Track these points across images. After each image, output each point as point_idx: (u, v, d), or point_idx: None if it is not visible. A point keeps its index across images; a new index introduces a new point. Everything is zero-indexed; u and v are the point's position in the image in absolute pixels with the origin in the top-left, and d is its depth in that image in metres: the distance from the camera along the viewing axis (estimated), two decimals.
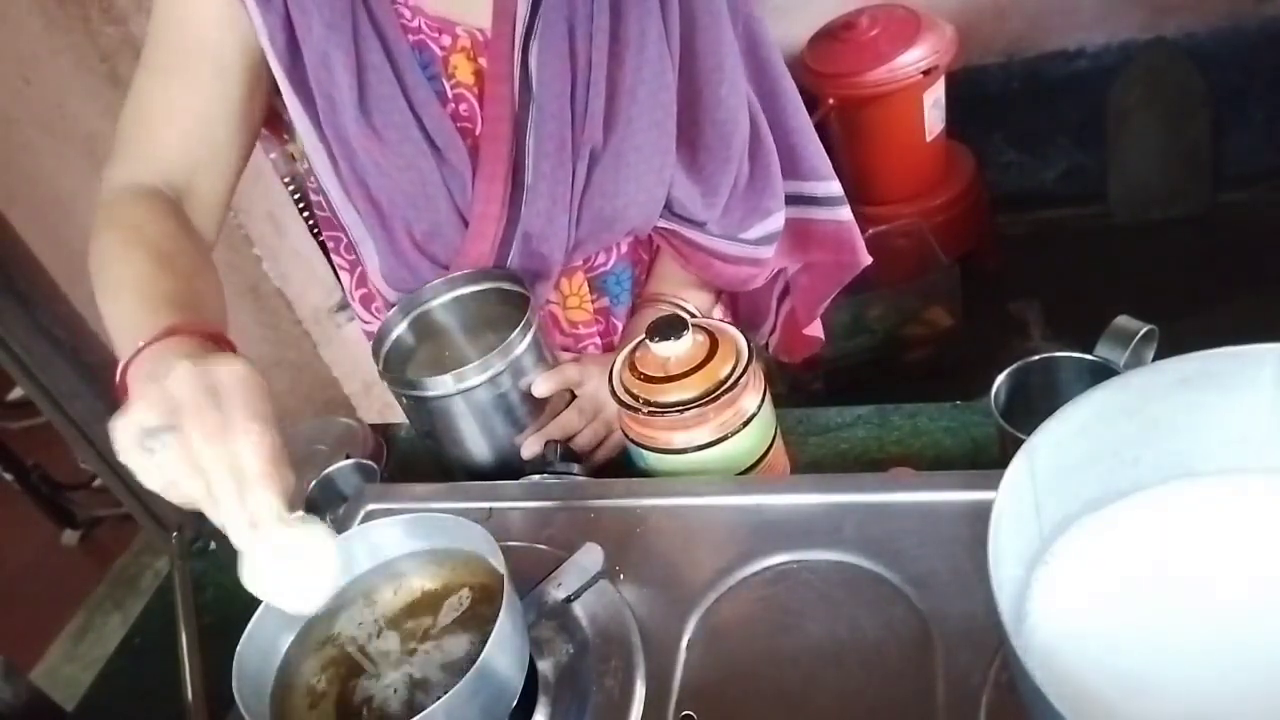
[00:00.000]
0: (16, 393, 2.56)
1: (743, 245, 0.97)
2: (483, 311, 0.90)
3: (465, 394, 0.82)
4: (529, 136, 0.83)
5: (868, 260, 1.06)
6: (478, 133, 0.86)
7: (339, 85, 0.81)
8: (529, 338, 0.83)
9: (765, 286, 1.07)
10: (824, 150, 1.01)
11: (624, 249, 0.98)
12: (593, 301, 0.98)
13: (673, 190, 0.91)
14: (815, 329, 1.14)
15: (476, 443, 0.86)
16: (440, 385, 0.81)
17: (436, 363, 0.87)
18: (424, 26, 0.83)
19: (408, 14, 0.83)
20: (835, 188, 1.02)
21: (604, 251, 0.96)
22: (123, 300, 0.74)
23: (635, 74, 0.83)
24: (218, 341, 0.68)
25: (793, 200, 1.00)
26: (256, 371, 0.60)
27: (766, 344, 1.16)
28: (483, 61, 0.84)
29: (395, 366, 0.87)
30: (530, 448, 0.86)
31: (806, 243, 1.04)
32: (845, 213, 1.03)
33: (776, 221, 0.98)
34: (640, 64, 0.83)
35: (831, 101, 2.31)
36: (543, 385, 0.85)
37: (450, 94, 0.85)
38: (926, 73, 2.22)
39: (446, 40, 0.84)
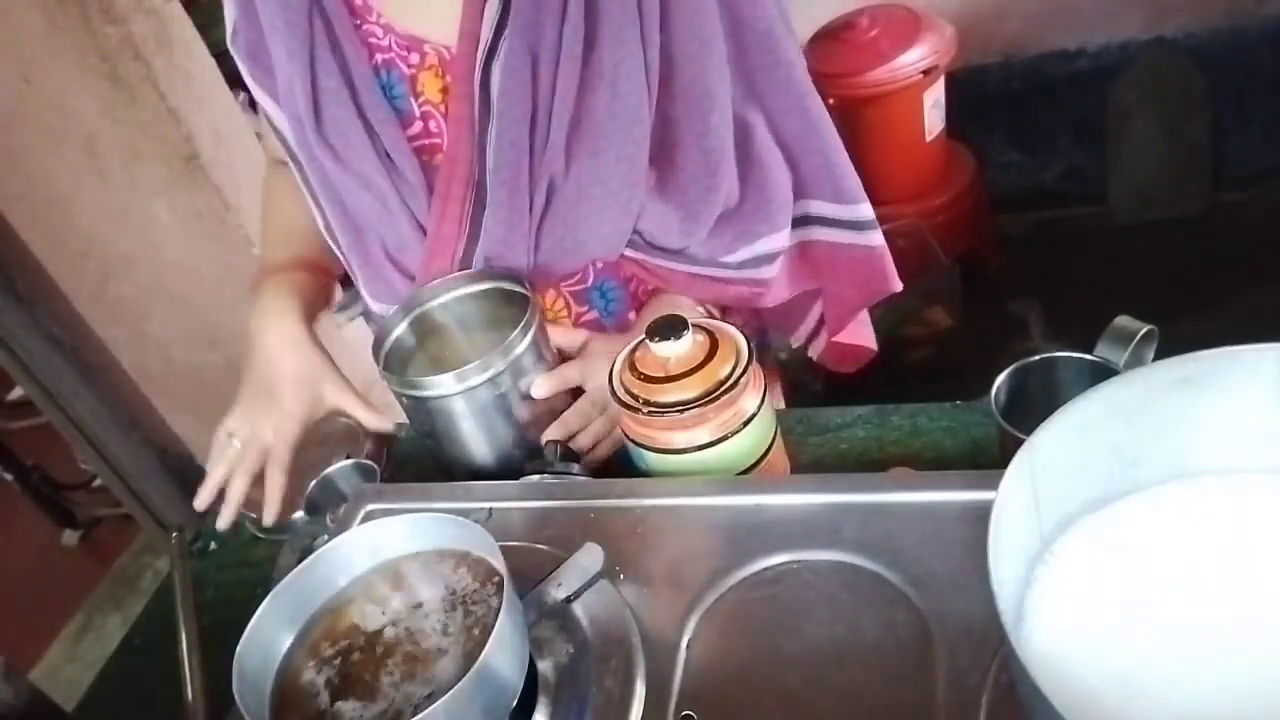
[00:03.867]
0: (16, 393, 2.56)
1: (724, 269, 0.94)
2: (483, 311, 0.90)
3: (465, 394, 0.82)
4: (488, 160, 0.83)
5: (897, 287, 1.02)
6: (444, 147, 0.87)
7: (301, 107, 0.85)
8: (529, 337, 0.83)
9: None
10: (855, 172, 0.97)
11: (600, 266, 0.95)
12: (581, 314, 0.98)
13: (644, 221, 0.89)
14: (864, 338, 1.10)
15: (477, 443, 0.86)
16: (440, 385, 0.81)
17: (437, 363, 0.88)
18: (394, 45, 0.85)
19: (379, 33, 0.85)
20: (865, 211, 0.97)
21: (580, 270, 0.95)
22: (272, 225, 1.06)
23: (607, 106, 0.81)
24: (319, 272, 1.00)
25: (817, 222, 0.97)
26: (314, 355, 0.93)
27: (805, 346, 1.13)
28: (449, 79, 0.84)
29: (395, 366, 0.87)
30: (553, 432, 0.86)
31: (833, 266, 1.00)
32: (876, 238, 0.98)
33: (769, 244, 0.93)
34: (613, 96, 0.80)
35: (831, 101, 2.31)
36: (542, 386, 0.85)
37: (418, 112, 0.86)
38: (926, 73, 2.22)
39: (415, 58, 0.85)
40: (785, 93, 0.89)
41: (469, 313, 0.90)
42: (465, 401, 0.82)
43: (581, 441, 0.88)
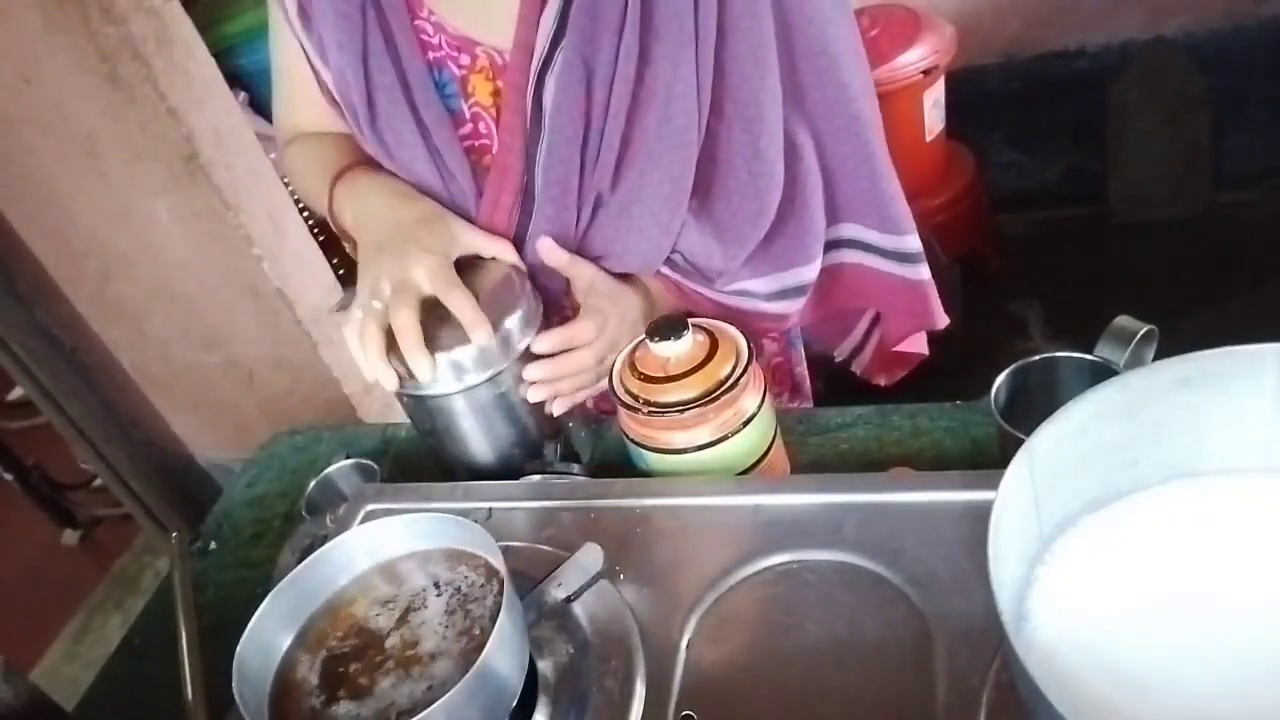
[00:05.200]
0: (16, 393, 2.56)
1: (753, 299, 0.92)
2: (488, 306, 0.87)
3: (465, 392, 0.80)
4: (537, 173, 0.82)
5: (944, 322, 0.99)
6: (494, 153, 0.85)
7: (355, 101, 0.83)
8: (532, 333, 0.81)
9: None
10: (905, 202, 0.93)
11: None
12: None
13: (685, 241, 0.87)
14: (916, 343, 1.06)
15: (477, 441, 0.85)
16: (440, 383, 0.80)
17: (435, 346, 0.85)
18: (445, 44, 0.83)
19: (430, 30, 0.83)
20: (911, 243, 0.93)
21: None
22: (318, 152, 0.95)
23: (656, 128, 0.79)
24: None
25: (856, 246, 0.93)
26: (430, 201, 0.84)
27: (848, 360, 1.10)
28: (500, 84, 0.83)
29: (394, 363, 0.86)
30: (542, 344, 0.81)
31: (871, 292, 0.96)
32: (922, 271, 0.94)
33: (799, 276, 0.90)
34: (663, 119, 0.78)
35: None
36: (545, 341, 0.81)
37: (468, 114, 0.85)
38: (926, 73, 2.22)
39: (466, 60, 0.83)
40: (837, 113, 0.85)
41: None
42: (465, 399, 0.81)
43: (560, 388, 0.83)
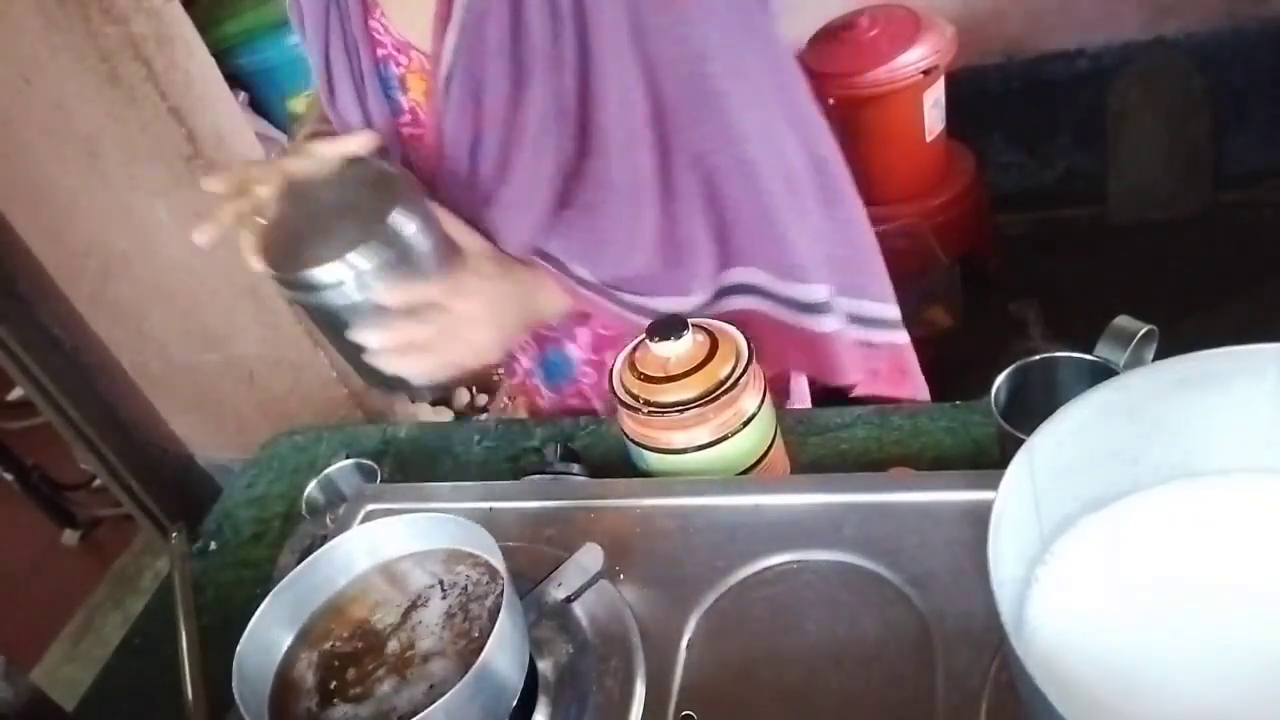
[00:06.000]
0: (16, 393, 2.56)
1: (635, 315, 0.90)
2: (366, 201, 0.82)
3: (337, 289, 0.76)
4: (444, 165, 0.89)
5: (849, 380, 0.97)
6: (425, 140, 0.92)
7: (319, 82, 0.94)
8: (414, 220, 0.77)
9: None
10: (814, 249, 0.90)
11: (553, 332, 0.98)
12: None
13: (562, 249, 0.88)
14: (913, 390, 1.05)
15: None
16: (327, 273, 0.75)
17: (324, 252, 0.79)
18: (390, 45, 0.90)
19: (380, 30, 0.90)
20: (814, 292, 0.91)
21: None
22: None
23: (533, 143, 0.83)
24: None
25: (750, 292, 0.92)
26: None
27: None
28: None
29: (280, 259, 0.80)
30: (369, 340, 0.79)
31: (773, 342, 0.91)
32: (825, 323, 0.92)
33: (674, 304, 0.89)
34: (535, 137, 0.82)
35: (831, 101, 2.31)
36: (392, 296, 0.78)
37: (406, 106, 0.92)
38: (926, 73, 2.22)
39: (404, 60, 0.90)
40: (723, 153, 0.84)
41: (346, 195, 0.82)
42: (354, 290, 0.76)
43: (396, 338, 0.80)
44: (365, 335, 0.79)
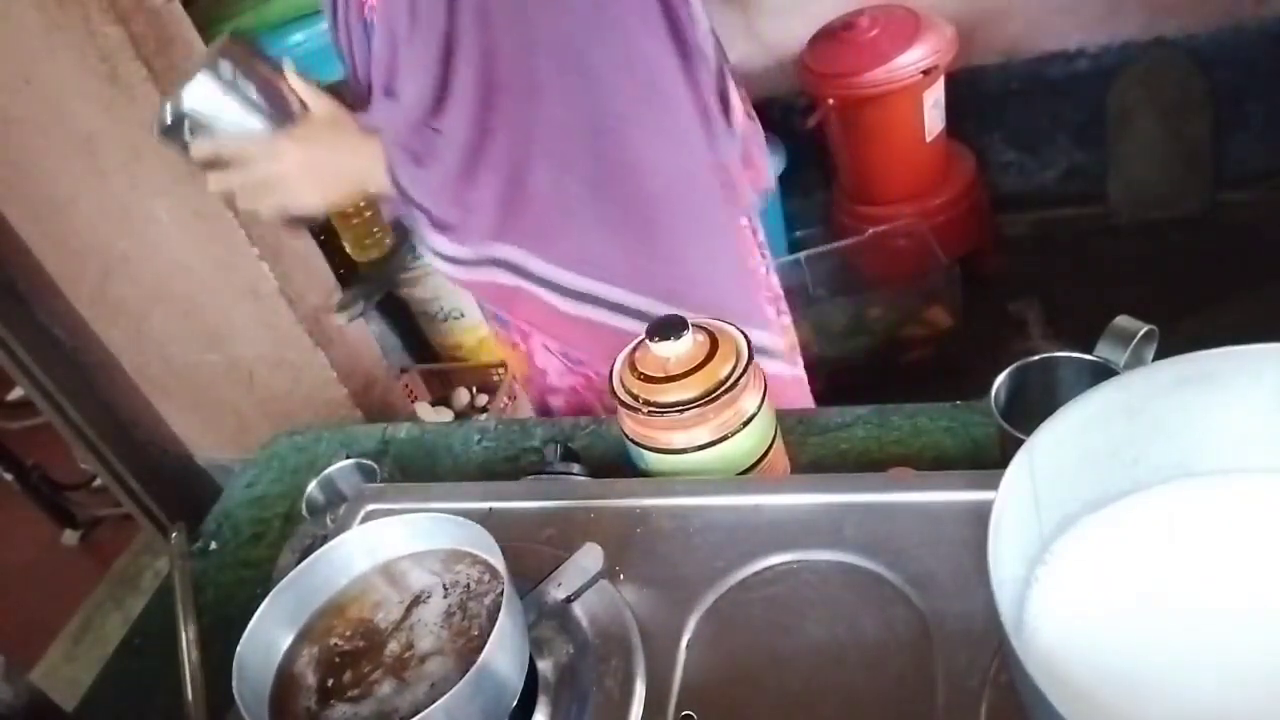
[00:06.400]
0: (16, 393, 2.56)
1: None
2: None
3: (186, 123, 0.92)
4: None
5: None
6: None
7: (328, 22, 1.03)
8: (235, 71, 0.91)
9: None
10: (762, 303, 1.03)
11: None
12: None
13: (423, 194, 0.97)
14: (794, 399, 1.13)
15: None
16: (162, 113, 0.92)
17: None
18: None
19: None
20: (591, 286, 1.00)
21: None
22: None
23: (410, 88, 0.93)
24: None
25: (524, 276, 1.00)
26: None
27: None
28: None
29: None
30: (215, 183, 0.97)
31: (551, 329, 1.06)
32: (771, 364, 1.01)
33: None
34: (412, 82, 0.92)
35: (831, 101, 2.31)
36: (200, 150, 0.95)
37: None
38: (926, 73, 2.22)
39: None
40: (539, 135, 0.91)
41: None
42: (186, 132, 0.92)
43: (212, 182, 0.96)
44: (209, 178, 0.97)
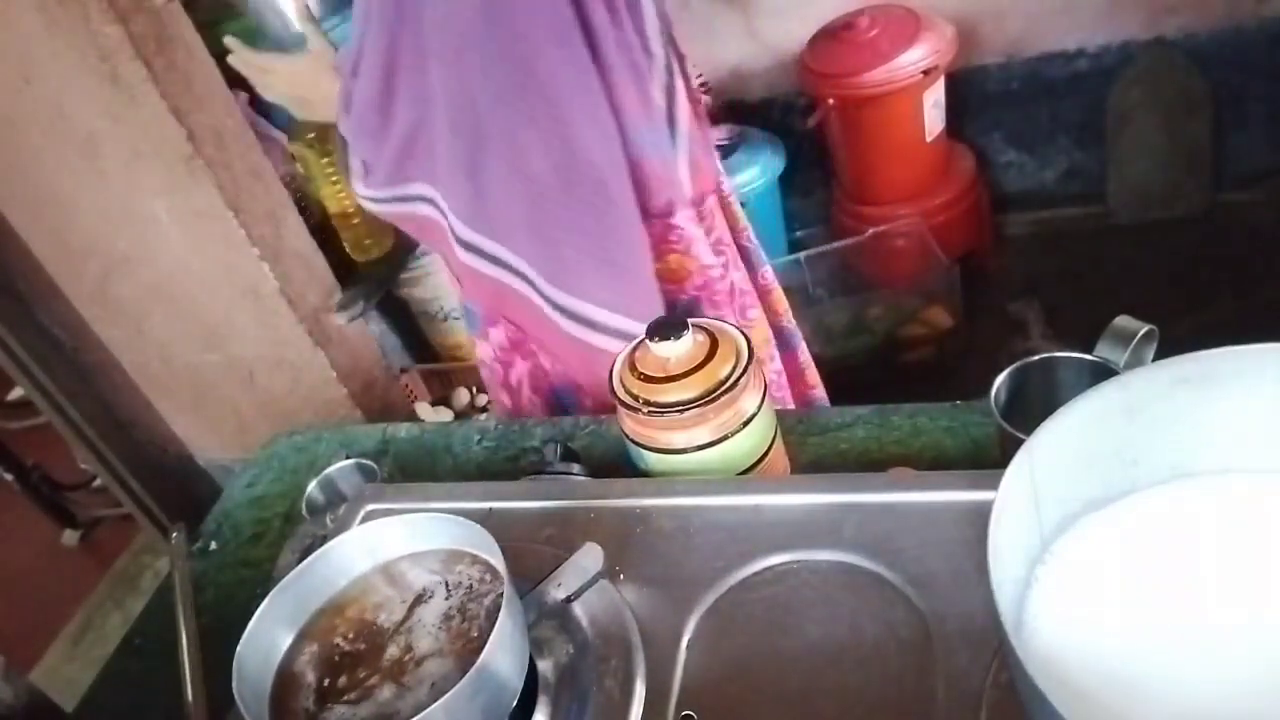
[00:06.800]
0: (16, 393, 2.56)
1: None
2: None
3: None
4: None
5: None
6: None
7: None
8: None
9: None
10: (649, 291, 1.00)
11: None
12: None
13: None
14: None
15: None
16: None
17: None
18: None
19: None
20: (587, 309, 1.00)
21: None
22: None
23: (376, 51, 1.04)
24: None
25: (511, 271, 1.03)
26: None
27: None
28: None
29: None
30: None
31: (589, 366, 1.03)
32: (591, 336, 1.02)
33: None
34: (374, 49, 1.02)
35: (831, 101, 2.31)
36: (250, 55, 1.22)
37: None
38: (926, 73, 2.22)
39: None
40: (442, 87, 0.98)
41: None
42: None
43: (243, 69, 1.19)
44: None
